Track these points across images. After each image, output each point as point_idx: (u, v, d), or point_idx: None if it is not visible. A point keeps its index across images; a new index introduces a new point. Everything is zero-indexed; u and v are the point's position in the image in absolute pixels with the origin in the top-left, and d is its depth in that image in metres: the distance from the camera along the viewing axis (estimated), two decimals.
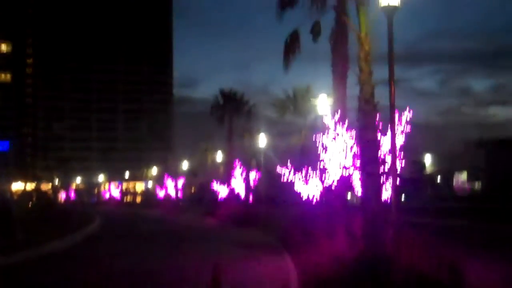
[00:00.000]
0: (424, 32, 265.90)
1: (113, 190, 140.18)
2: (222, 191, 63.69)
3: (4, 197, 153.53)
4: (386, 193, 19.53)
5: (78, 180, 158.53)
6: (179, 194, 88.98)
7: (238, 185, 57.51)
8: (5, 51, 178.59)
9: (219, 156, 72.94)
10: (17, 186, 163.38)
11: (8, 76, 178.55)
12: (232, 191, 59.52)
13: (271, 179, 53.92)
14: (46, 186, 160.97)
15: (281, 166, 28.62)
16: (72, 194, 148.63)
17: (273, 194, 55.99)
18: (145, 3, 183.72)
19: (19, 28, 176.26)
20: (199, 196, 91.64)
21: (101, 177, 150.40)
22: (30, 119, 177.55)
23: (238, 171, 57.24)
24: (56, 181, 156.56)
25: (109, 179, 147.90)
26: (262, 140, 50.74)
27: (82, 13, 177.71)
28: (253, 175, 56.44)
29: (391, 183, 17.22)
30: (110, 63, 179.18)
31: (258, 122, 56.80)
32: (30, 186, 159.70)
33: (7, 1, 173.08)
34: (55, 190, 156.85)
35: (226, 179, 63.02)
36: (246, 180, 56.53)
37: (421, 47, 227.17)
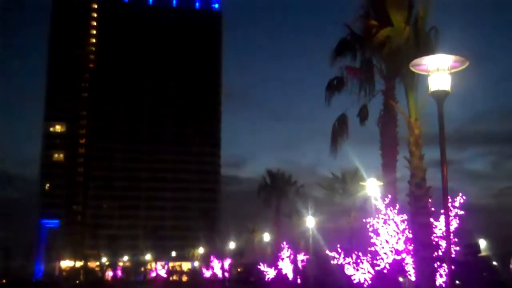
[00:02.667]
0: (474, 112, 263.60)
1: (159, 269, 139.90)
2: (269, 272, 62.68)
3: (53, 274, 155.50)
4: (441, 278, 19.07)
5: (126, 258, 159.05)
6: (226, 274, 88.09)
7: (286, 266, 56.59)
8: (59, 131, 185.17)
9: (266, 237, 72.20)
10: (66, 263, 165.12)
11: (61, 156, 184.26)
12: (279, 272, 58.54)
13: (319, 261, 52.91)
14: (94, 264, 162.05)
15: (330, 248, 28.29)
16: (119, 272, 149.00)
17: (321, 277, 54.77)
18: (194, 84, 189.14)
19: (73, 110, 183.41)
20: (245, 276, 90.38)
21: (148, 256, 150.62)
22: (80, 197, 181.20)
23: (285, 253, 56.41)
24: (104, 259, 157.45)
25: (156, 258, 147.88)
26: (310, 221, 50.16)
27: (132, 96, 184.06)
28: (301, 256, 55.54)
29: (445, 268, 16.84)
30: (159, 143, 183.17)
31: (306, 203, 56.34)
32: (79, 263, 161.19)
33: (63, 85, 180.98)
34: (103, 267, 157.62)
35: (273, 260, 62.14)
36: (294, 261, 55.63)
37: (471, 128, 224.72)
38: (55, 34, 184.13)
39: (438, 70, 13.05)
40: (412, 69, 13.79)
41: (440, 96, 13.74)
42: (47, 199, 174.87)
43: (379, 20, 22.72)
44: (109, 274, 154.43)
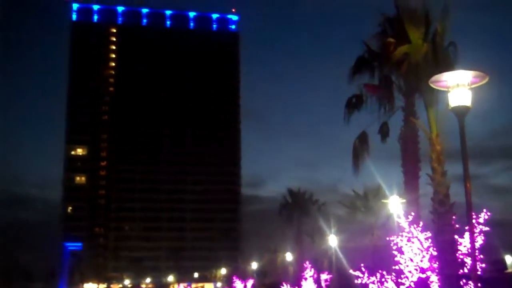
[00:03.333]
0: (495, 127, 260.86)
1: None
2: None
3: None
4: None
5: (148, 280, 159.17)
6: None
7: (309, 286, 56.07)
8: (81, 155, 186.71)
9: (289, 256, 71.68)
10: (90, 286, 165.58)
11: (83, 179, 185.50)
12: None
13: (343, 280, 52.39)
14: (117, 286, 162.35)
15: (353, 266, 28.01)
16: None
17: None
18: (213, 104, 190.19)
19: (94, 133, 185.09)
20: None
21: (170, 277, 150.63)
22: (102, 220, 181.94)
23: (308, 272, 55.96)
24: (127, 281, 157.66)
25: (179, 279, 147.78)
26: (333, 240, 49.65)
27: (152, 118, 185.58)
28: (324, 276, 55.02)
29: (471, 286, 16.57)
30: (179, 164, 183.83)
31: (327, 221, 55.95)
32: (102, 286, 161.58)
33: (84, 108, 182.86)
34: None
35: (296, 280, 61.65)
36: (317, 281, 55.13)
37: (493, 142, 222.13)
38: (75, 58, 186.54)
39: (458, 86, 12.93)
40: (432, 85, 13.69)
41: (461, 112, 13.63)
42: (70, 222, 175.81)
43: (397, 37, 22.68)
44: None
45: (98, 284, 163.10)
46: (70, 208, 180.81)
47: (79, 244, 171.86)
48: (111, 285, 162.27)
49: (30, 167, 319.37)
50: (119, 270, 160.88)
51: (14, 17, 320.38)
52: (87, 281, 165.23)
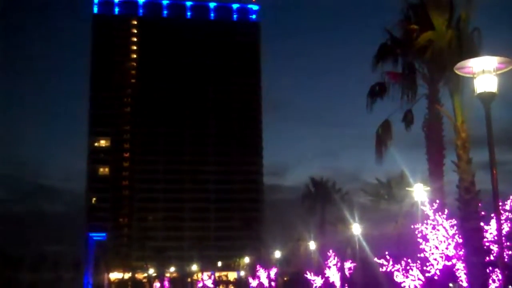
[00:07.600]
0: None
1: (206, 279, 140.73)
2: (316, 280, 62.34)
3: (102, 287, 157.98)
4: (494, 284, 18.70)
5: (172, 269, 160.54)
6: (272, 284, 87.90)
7: (333, 274, 56.15)
8: (104, 146, 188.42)
9: (312, 245, 71.66)
10: (115, 275, 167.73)
11: (107, 170, 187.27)
12: (326, 280, 58.17)
13: (367, 268, 52.29)
14: (141, 276, 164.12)
15: (377, 254, 28.01)
16: (166, 283, 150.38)
17: (370, 285, 54.02)
18: (234, 94, 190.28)
19: (117, 125, 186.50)
20: (292, 286, 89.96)
21: (194, 267, 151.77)
22: (126, 210, 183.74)
23: (332, 260, 56.00)
24: (151, 271, 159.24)
25: (202, 268, 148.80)
26: (356, 228, 49.55)
27: (174, 109, 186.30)
28: (348, 264, 55.02)
29: (498, 273, 16.52)
30: (201, 154, 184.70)
31: (351, 210, 55.82)
32: (127, 275, 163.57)
33: (106, 101, 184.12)
34: (150, 279, 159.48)
35: (319, 269, 61.78)
36: (341, 269, 55.17)
37: None
38: (96, 51, 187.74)
39: (484, 72, 12.86)
40: (457, 72, 13.61)
41: (487, 98, 13.55)
42: (94, 213, 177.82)
43: (420, 23, 22.49)
44: (156, 285, 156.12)
45: (124, 274, 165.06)
46: (94, 199, 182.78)
47: (104, 234, 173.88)
48: (136, 274, 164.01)
49: (54, 160, 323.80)
50: (143, 259, 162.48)
51: (37, 10, 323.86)
52: (112, 271, 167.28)
